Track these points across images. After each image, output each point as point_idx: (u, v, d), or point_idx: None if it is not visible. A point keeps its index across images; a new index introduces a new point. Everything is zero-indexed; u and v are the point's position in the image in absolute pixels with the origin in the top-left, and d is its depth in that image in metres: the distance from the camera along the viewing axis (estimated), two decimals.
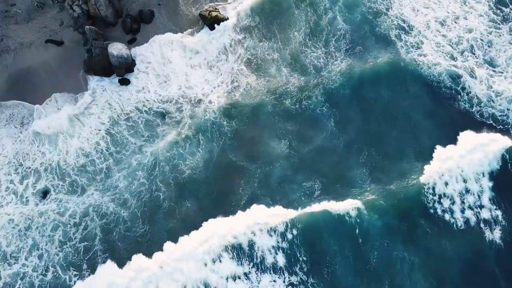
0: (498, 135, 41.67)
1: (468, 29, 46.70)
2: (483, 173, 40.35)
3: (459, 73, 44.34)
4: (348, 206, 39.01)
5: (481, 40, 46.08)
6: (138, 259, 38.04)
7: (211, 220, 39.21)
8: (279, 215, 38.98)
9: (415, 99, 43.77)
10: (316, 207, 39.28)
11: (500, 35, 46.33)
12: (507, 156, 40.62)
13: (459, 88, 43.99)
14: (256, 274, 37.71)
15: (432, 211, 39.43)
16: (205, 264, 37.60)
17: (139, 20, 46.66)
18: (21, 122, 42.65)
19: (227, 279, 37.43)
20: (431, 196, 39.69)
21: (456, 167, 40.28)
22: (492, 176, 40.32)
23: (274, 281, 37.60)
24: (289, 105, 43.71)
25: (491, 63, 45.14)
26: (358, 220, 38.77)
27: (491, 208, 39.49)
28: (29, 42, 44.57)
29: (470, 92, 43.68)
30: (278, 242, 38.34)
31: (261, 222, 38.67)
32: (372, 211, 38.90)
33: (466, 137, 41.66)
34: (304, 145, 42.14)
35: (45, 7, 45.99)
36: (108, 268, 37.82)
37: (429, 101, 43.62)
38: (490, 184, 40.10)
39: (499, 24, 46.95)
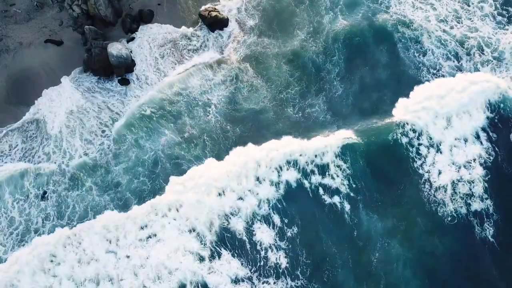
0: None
1: (473, 29, 46.74)
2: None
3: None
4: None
5: (488, 39, 45.98)
6: None
7: None
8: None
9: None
10: None
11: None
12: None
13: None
14: None
15: None
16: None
17: (138, 20, 46.62)
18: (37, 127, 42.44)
19: None
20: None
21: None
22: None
23: None
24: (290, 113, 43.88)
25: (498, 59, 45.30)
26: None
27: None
28: (29, 42, 44.41)
29: None
30: None
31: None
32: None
33: None
34: None
35: (44, 7, 45.92)
36: None
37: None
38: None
39: (504, 25, 46.81)
